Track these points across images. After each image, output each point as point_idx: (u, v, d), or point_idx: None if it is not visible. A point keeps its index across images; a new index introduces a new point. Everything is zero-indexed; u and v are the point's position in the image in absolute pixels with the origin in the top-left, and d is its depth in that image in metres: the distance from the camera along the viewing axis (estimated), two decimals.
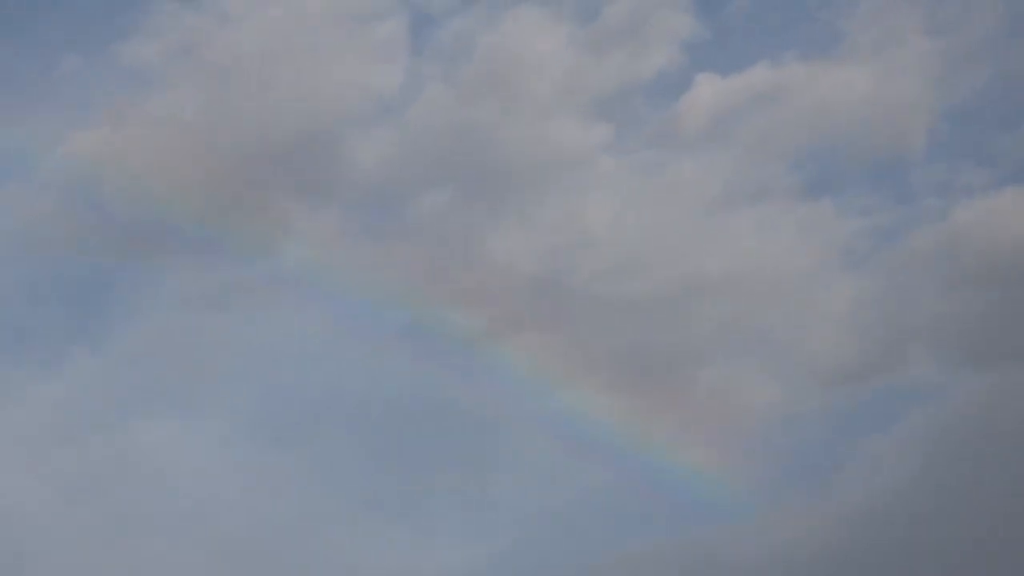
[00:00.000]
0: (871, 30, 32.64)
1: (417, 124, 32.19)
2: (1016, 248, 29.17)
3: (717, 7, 33.88)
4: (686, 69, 32.67)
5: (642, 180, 32.13)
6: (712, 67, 32.76)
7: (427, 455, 30.13)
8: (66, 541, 28.50)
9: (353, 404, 31.22)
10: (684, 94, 32.52)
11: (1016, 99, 32.48)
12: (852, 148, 32.43)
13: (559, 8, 33.11)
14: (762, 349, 30.56)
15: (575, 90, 32.12)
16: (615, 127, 32.54)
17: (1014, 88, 32.24)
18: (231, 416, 31.77)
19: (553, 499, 29.39)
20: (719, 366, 30.62)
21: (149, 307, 32.72)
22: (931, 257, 30.12)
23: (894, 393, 29.42)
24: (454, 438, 30.59)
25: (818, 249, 30.92)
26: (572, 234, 31.31)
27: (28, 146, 31.59)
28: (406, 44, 33.49)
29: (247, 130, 31.42)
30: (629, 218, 31.98)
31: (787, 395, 29.69)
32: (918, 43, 31.80)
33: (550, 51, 32.23)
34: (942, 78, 31.83)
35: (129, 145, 31.34)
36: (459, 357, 29.92)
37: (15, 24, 35.41)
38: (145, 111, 32.13)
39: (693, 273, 30.68)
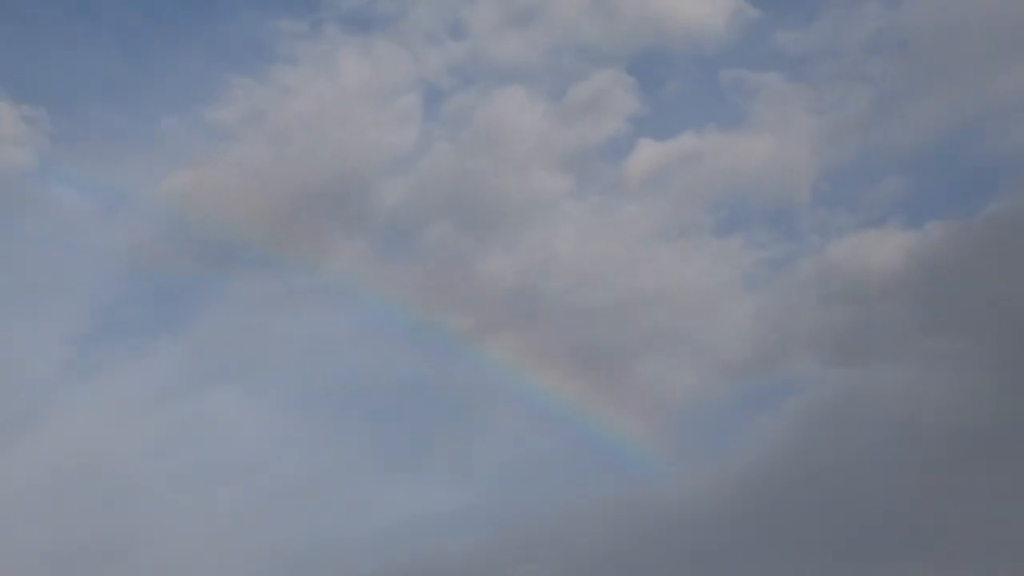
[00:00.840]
0: (770, 110, 38.56)
1: (427, 173, 38.32)
2: (874, 275, 35.38)
3: (654, 89, 39.57)
4: (631, 136, 38.59)
5: (596, 218, 38.21)
6: (650, 135, 38.78)
7: (425, 423, 36.94)
8: (155, 482, 35.50)
9: (370, 384, 37.95)
10: (629, 155, 38.68)
11: (878, 163, 38.36)
12: (754, 198, 38.53)
13: (536, 89, 38.99)
14: (682, 348, 37.09)
15: (546, 150, 38.10)
16: (576, 178, 38.59)
17: (876, 155, 38.15)
18: (279, 390, 38.52)
19: (519, 458, 36.00)
20: (649, 360, 36.97)
21: (220, 308, 39.26)
22: (810, 281, 36.36)
23: (779, 384, 36.13)
24: (446, 411, 37.28)
25: (726, 274, 37.23)
26: (542, 258, 37.29)
27: (134, 185, 38.42)
28: (420, 113, 39.52)
29: (299, 175, 37.82)
30: (585, 247, 37.92)
31: (698, 383, 36.43)
32: (805, 120, 37.74)
33: (528, 120, 38.30)
34: (822, 147, 37.82)
35: (210, 185, 37.60)
36: (452, 350, 36.35)
37: (127, 91, 41.89)
38: (223, 160, 38.31)
39: (632, 289, 36.99)
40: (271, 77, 40.11)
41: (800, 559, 32.47)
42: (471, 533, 34.94)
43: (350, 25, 40.67)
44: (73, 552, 34.06)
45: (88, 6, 43.79)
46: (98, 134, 41.57)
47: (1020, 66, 37.11)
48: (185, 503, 35.68)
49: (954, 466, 33.11)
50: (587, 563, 33.16)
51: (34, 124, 38.23)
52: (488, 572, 33.15)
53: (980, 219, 37.75)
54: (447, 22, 40.47)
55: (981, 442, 32.97)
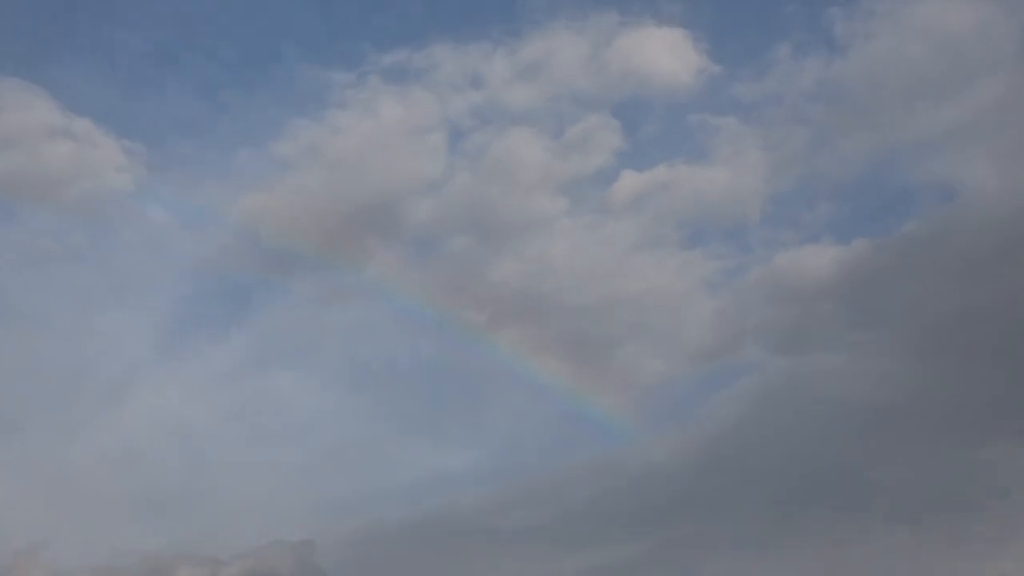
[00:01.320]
0: (727, 147, 44.48)
1: (450, 196, 44.24)
2: (811, 281, 41.17)
3: (635, 130, 45.27)
4: (615, 167, 44.41)
5: (586, 233, 44.08)
6: (631, 166, 44.72)
7: (444, 398, 43.36)
8: (228, 442, 41.70)
9: (402, 367, 44.45)
10: (614, 182, 44.59)
11: (814, 190, 44.12)
12: (713, 218, 44.44)
13: (539, 129, 44.76)
14: (654, 339, 43.20)
15: (547, 178, 44.02)
16: (570, 201, 44.44)
17: (813, 183, 43.87)
18: (328, 370, 44.99)
19: (520, 426, 42.12)
20: (627, 348, 42.99)
21: (281, 303, 45.53)
22: (759, 285, 42.44)
23: (732, 368, 42.21)
24: (461, 388, 43.73)
25: (690, 279, 43.25)
26: (542, 265, 43.31)
27: (212, 205, 44.76)
28: (445, 147, 45.31)
29: (346, 197, 43.74)
30: (577, 256, 43.81)
31: (667, 367, 42.52)
32: (755, 155, 43.71)
33: (532, 154, 44.30)
34: (769, 177, 43.58)
35: (274, 205, 43.47)
36: (467, 339, 42.22)
37: (207, 128, 48.18)
38: (284, 184, 44.31)
39: (615, 291, 42.96)
40: (324, 118, 45.77)
41: (747, 510, 38.17)
42: (481, 486, 41.03)
43: (389, 76, 46.27)
44: (163, 498, 39.98)
45: (176, 58, 50.14)
46: (183, 163, 47.59)
47: (930, 110, 42.75)
48: (251, 459, 41.73)
49: (874, 436, 38.81)
50: (574, 510, 38.81)
51: (132, 155, 44.04)
52: (493, 517, 38.93)
53: (897, 236, 43.49)
54: (468, 75, 46.05)
55: (896, 416, 38.72)
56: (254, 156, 47.83)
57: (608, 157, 44.77)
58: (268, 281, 45.97)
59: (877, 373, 40.98)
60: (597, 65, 45.68)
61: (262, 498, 41.31)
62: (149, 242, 46.52)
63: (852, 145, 44.85)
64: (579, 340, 42.52)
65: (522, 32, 47.61)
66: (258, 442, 43.35)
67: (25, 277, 45.95)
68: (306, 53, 49.98)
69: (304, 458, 42.57)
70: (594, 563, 37.57)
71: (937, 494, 37.74)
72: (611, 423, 40.96)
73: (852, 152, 44.87)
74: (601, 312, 43.24)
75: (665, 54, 44.81)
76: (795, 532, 38.07)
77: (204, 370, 44.90)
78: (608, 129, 44.99)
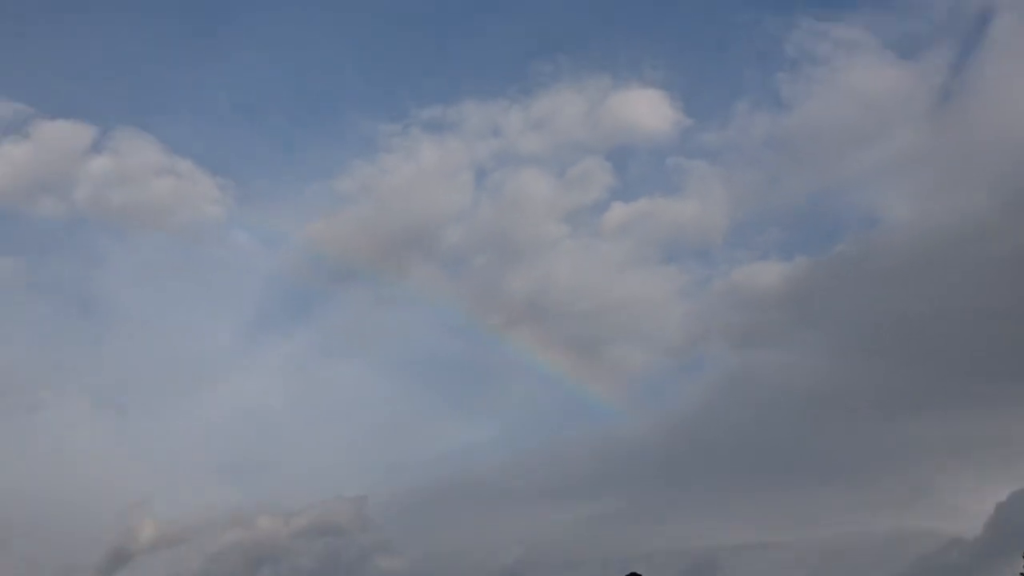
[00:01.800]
0: (697, 184, 50.59)
1: (475, 223, 50.36)
2: (762, 290, 47.25)
3: (623, 170, 51.21)
4: (607, 200, 50.29)
5: (583, 254, 50.21)
6: (620, 199, 50.55)
7: (468, 384, 50.09)
8: (296, 420, 48.11)
9: (435, 359, 51.03)
10: (606, 212, 50.40)
11: (766, 219, 50.55)
12: (685, 241, 50.39)
13: (546, 170, 50.80)
14: (637, 337, 49.17)
15: (552, 209, 49.94)
16: (571, 227, 50.30)
17: (765, 214, 50.14)
18: (376, 362, 51.58)
19: (529, 407, 48.32)
20: (615, 345, 49.03)
21: (339, 308, 52.36)
22: (721, 294, 48.73)
23: (700, 361, 48.81)
24: (482, 376, 50.37)
25: (667, 289, 49.31)
26: (548, 278, 49.32)
27: (286, 230, 51.47)
28: (472, 184, 51.31)
29: (392, 223, 49.92)
30: (576, 272, 49.85)
31: (647, 360, 48.58)
32: (719, 191, 50.05)
33: (540, 190, 50.34)
34: (730, 209, 49.66)
35: (335, 230, 49.57)
36: (487, 338, 48.65)
37: (282, 167, 56.11)
38: (343, 214, 50.62)
39: (606, 299, 49.03)
40: (375, 160, 52.07)
41: (708, 474, 43.71)
42: (497, 455, 46.96)
43: (427, 127, 52.57)
44: (243, 463, 45.86)
45: (258, 112, 58.08)
46: (263, 196, 54.45)
47: (857, 155, 49.15)
48: (314, 432, 48.24)
49: (811, 415, 44.59)
50: (572, 474, 44.38)
51: (224, 190, 50.39)
52: (508, 478, 44.56)
53: (831, 255, 49.62)
54: (490, 126, 52.01)
55: (830, 400, 44.48)
56: (319, 191, 54.58)
57: (601, 192, 50.66)
58: (328, 290, 52.85)
59: (814, 365, 47.08)
60: (593, 118, 51.49)
61: (323, 463, 47.73)
62: (234, 260, 53.26)
63: (795, 183, 51.07)
64: (577, 338, 48.46)
65: (533, 92, 53.66)
66: (319, 418, 50.33)
67: (135, 288, 52.96)
68: (361, 109, 57.02)
69: (356, 431, 49.40)
70: (587, 513, 43.16)
71: (861, 461, 42.94)
72: (601, 405, 47.44)
73: (795, 189, 51.13)
74: (595, 316, 49.40)
75: (648, 110, 50.44)
76: (746, 490, 43.34)
77: (276, 361, 51.74)
78: (601, 169, 50.84)
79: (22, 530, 40.68)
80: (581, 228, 51.26)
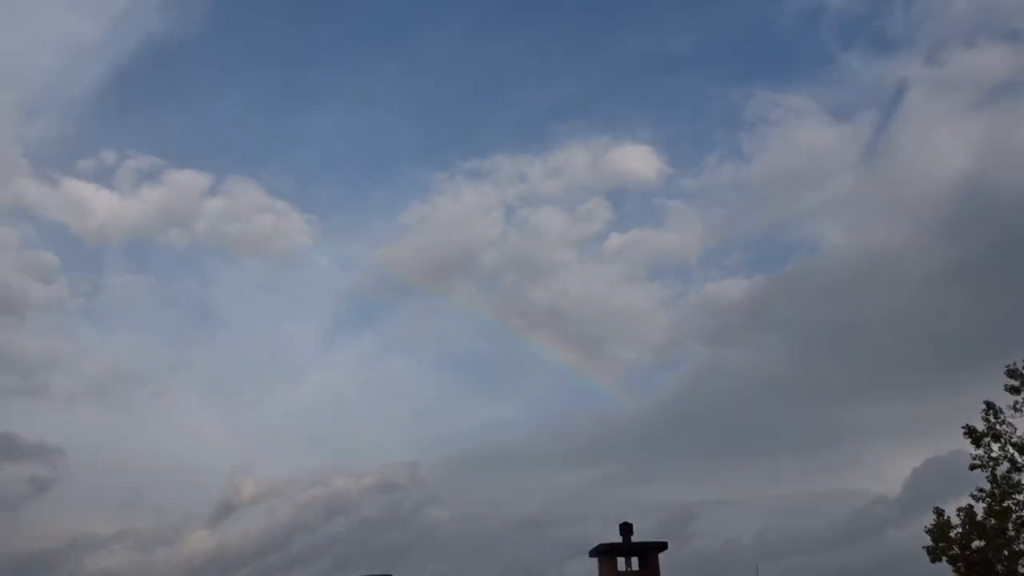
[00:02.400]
0: (677, 218, 57.09)
1: (505, 249, 56.59)
2: (728, 301, 53.49)
3: (619, 207, 57.80)
4: (607, 230, 56.43)
5: (588, 273, 56.84)
6: (617, 230, 56.46)
7: (498, 374, 57.71)
8: (363, 405, 56.36)
9: (472, 354, 58.98)
10: (605, 240, 56.34)
11: (731, 245, 57.28)
12: (668, 263, 56.99)
13: (559, 208, 57.19)
14: (629, 338, 56.44)
15: (564, 238, 56.24)
16: (578, 253, 56.72)
17: (730, 241, 56.82)
18: (425, 358, 59.74)
19: (544, 393, 56.19)
20: (613, 344, 56.03)
21: (398, 317, 60.64)
22: (697, 306, 55.41)
23: (679, 358, 56.71)
24: (508, 368, 57.76)
25: (653, 301, 55.90)
26: (562, 292, 55.68)
27: (358, 255, 59.50)
28: (503, 220, 56.98)
29: (440, 249, 56.15)
30: (582, 287, 56.20)
31: (637, 357, 56.12)
32: (695, 224, 56.35)
33: (556, 224, 56.44)
34: (703, 237, 55.69)
35: (397, 256, 55.99)
36: (513, 338, 55.84)
37: (355, 206, 65.38)
38: (403, 242, 57.32)
39: (606, 308, 55.67)
40: (428, 200, 58.94)
41: (685, 446, 50.21)
42: (519, 429, 54.85)
43: (469, 175, 59.20)
44: (323, 436, 53.67)
45: (335, 162, 66.47)
46: (341, 229, 63.24)
47: (803, 196, 56.52)
48: (377, 412, 56.34)
49: (767, 401, 50.94)
50: (578, 444, 50.31)
51: (311, 223, 56.94)
52: (528, 447, 50.56)
53: (782, 273, 56.32)
54: (517, 174, 57.92)
55: (783, 388, 50.86)
56: (385, 224, 63.12)
57: (602, 224, 56.49)
58: (389, 302, 60.58)
59: (771, 360, 52.87)
60: (597, 168, 57.34)
61: (385, 435, 55.16)
62: (317, 279, 61.03)
63: (754, 218, 58.37)
64: (583, 338, 55.44)
65: (551, 147, 60.82)
66: (381, 401, 58.29)
67: (240, 301, 60.97)
68: (418, 160, 65.15)
69: (410, 411, 57.24)
70: (590, 475, 49.15)
71: (807, 436, 49.21)
72: (601, 390, 55.41)
73: (754, 222, 58.28)
74: (597, 321, 55.96)
75: (639, 161, 56.48)
76: (716, 458, 49.66)
77: (348, 357, 59.40)
78: (603, 207, 56.60)
79: (153, 487, 46.24)
80: (586, 253, 57.76)
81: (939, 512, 21.27)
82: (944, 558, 20.89)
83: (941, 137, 53.92)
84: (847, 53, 58.81)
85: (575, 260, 56.96)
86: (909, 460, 53.18)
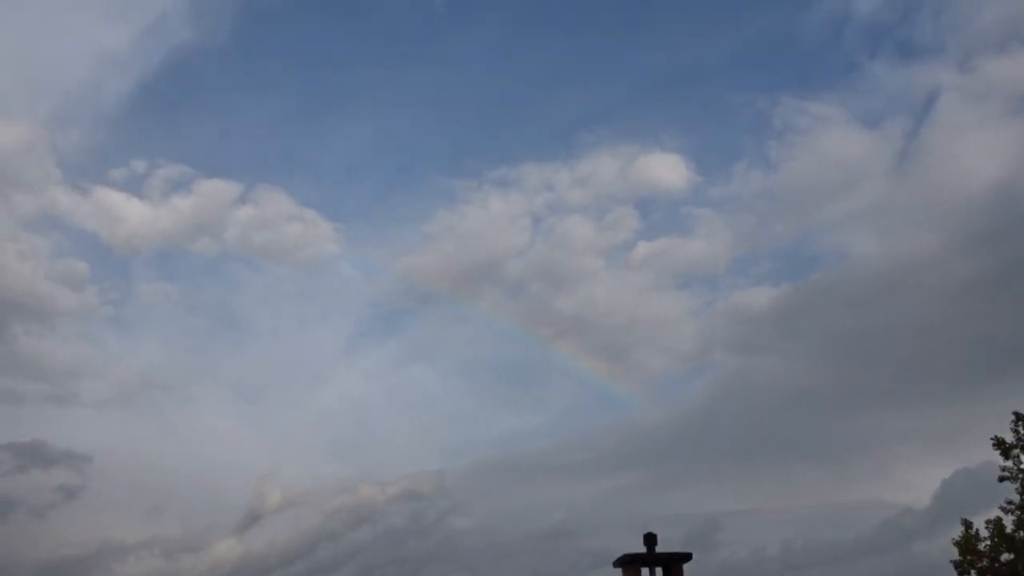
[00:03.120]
0: (705, 227, 56.15)
1: (532, 258, 56.23)
2: (756, 310, 52.92)
3: (647, 216, 56.75)
4: (634, 240, 55.67)
5: (615, 281, 56.14)
6: (644, 239, 55.80)
7: (523, 382, 57.27)
8: (387, 410, 56.17)
9: (497, 363, 58.76)
10: (633, 249, 55.74)
11: (758, 254, 56.32)
12: (696, 271, 56.13)
13: (587, 216, 56.33)
14: (656, 347, 55.72)
15: (591, 247, 55.65)
16: (606, 261, 56.19)
17: (758, 250, 55.90)
18: (450, 366, 59.84)
19: (569, 401, 55.96)
20: (640, 352, 55.58)
21: (422, 324, 60.49)
22: (723, 314, 54.70)
23: (705, 365, 56.05)
24: (534, 376, 57.58)
25: (681, 309, 55.52)
26: (588, 301, 55.10)
27: (383, 264, 58.85)
28: (530, 228, 56.40)
29: (467, 257, 55.73)
30: (609, 295, 55.50)
31: (664, 365, 55.79)
32: (723, 232, 55.52)
33: (583, 232, 55.87)
34: (731, 246, 55.47)
35: (423, 263, 55.59)
36: (539, 347, 55.29)
37: (382, 215, 64.81)
38: (429, 250, 56.74)
39: (633, 316, 55.05)
40: (455, 209, 58.17)
41: (711, 454, 49.70)
42: (544, 438, 54.16)
43: (496, 184, 58.36)
44: (348, 445, 54.07)
45: (362, 172, 66.06)
46: (367, 238, 62.82)
47: (830, 204, 55.46)
48: (401, 420, 56.24)
49: (797, 410, 50.66)
50: (603, 453, 50.09)
51: (339, 232, 56.66)
52: (553, 456, 50.44)
53: (809, 282, 55.58)
54: (545, 183, 57.45)
55: (809, 396, 50.37)
56: (411, 232, 62.99)
57: (629, 233, 55.84)
58: (415, 310, 60.74)
59: (797, 369, 52.67)
60: (624, 176, 56.55)
61: (410, 444, 55.41)
62: (341, 287, 61.10)
63: (782, 227, 57.43)
64: (609, 347, 54.97)
65: (578, 156, 59.56)
66: (406, 409, 57.91)
67: (266, 308, 61.07)
68: (445, 170, 64.91)
69: (435, 419, 57.07)
70: (615, 485, 49.01)
71: (834, 445, 48.66)
72: (627, 399, 54.53)
73: (782, 231, 57.62)
74: (624, 330, 55.40)
75: (667, 170, 55.71)
76: (742, 468, 49.13)
77: (373, 366, 59.85)
78: (630, 216, 55.92)
79: (179, 494, 46.23)
80: (614, 261, 57.14)
81: (967, 524, 21.08)
82: (972, 572, 20.68)
83: (972, 145, 53.03)
84: (875, 61, 58.37)
85: (602, 269, 56.69)
86: (938, 471, 52.22)
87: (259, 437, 53.67)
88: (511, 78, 66.01)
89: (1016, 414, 20.93)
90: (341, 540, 44.69)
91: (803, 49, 60.66)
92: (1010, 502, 20.64)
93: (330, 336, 60.46)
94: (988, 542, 20.71)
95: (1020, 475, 20.61)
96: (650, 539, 17.45)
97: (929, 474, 52.57)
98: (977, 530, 20.92)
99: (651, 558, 17.34)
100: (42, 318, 52.16)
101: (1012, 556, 20.30)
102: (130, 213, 53.43)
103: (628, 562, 17.37)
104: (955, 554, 21.13)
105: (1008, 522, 20.57)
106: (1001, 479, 20.85)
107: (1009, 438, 20.90)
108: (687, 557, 17.61)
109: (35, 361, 50.36)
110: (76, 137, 57.02)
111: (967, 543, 20.79)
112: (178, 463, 47.51)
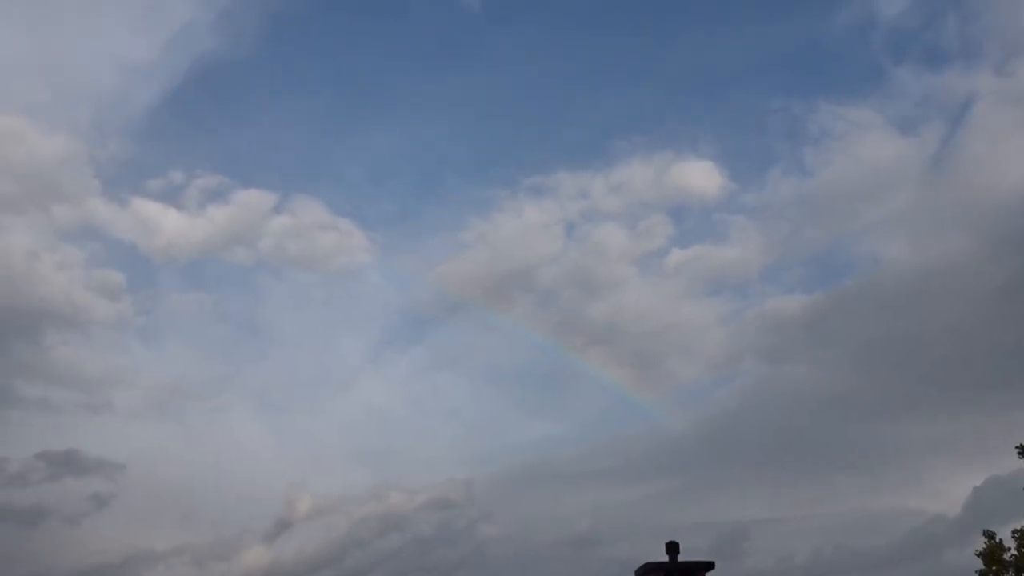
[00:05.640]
0: (739, 234, 57.23)
1: (565, 265, 57.47)
2: (787, 318, 53.96)
3: (681, 224, 58.04)
4: (668, 247, 57.16)
5: (648, 289, 57.03)
6: (678, 246, 57.53)
7: (552, 391, 58.18)
8: (412, 418, 57.03)
9: (526, 371, 59.63)
10: (666, 256, 57.14)
11: (791, 260, 57.48)
12: (728, 278, 57.00)
13: (621, 224, 57.48)
14: (687, 354, 56.66)
15: (625, 254, 56.70)
16: (639, 269, 57.41)
17: (790, 257, 56.96)
18: (484, 374, 60.72)
19: (596, 408, 56.57)
20: (670, 360, 56.53)
21: (450, 332, 61.27)
22: (754, 320, 55.57)
23: (734, 373, 56.00)
24: (561, 385, 58.16)
25: (712, 317, 56.32)
26: (620, 308, 56.10)
27: (417, 272, 60.32)
28: (563, 236, 58.15)
29: (498, 266, 56.83)
30: (641, 303, 56.55)
31: (694, 373, 56.38)
32: (756, 239, 56.58)
33: (616, 240, 56.91)
34: (763, 253, 56.43)
35: (457, 271, 57.09)
36: (569, 355, 55.75)
37: (415, 225, 65.57)
38: (464, 258, 57.87)
39: (664, 324, 56.03)
40: (489, 217, 60.09)
41: (739, 461, 50.30)
42: (572, 446, 54.85)
43: (529, 192, 59.84)
44: (376, 451, 54.88)
45: (394, 182, 67.65)
46: (400, 247, 64.02)
47: (864, 210, 56.05)
48: (427, 429, 57.10)
49: (825, 416, 51.53)
50: (629, 461, 51.10)
51: (373, 241, 58.36)
52: (580, 464, 51.41)
53: (842, 289, 56.52)
54: (578, 190, 58.77)
55: (840, 404, 51.03)
56: (445, 241, 64.18)
57: (663, 241, 57.14)
58: (444, 318, 61.46)
59: (828, 377, 53.35)
60: (658, 184, 57.70)
61: (440, 452, 56.09)
62: (374, 295, 62.63)
63: (815, 233, 58.17)
64: (640, 355, 55.93)
65: (613, 164, 61.02)
66: (431, 418, 59.25)
67: (292, 316, 62.57)
68: (479, 179, 66.61)
69: (465, 428, 58.17)
70: (641, 493, 49.92)
71: (864, 453, 49.11)
72: (656, 407, 55.11)
73: (815, 237, 58.28)
74: (655, 338, 56.40)
75: (701, 177, 56.75)
76: (771, 476, 49.78)
77: (398, 373, 60.70)
78: (664, 223, 57.32)
79: (209, 503, 47.38)
80: (647, 269, 58.18)
81: (990, 535, 21.01)
82: None
83: (1008, 149, 53.07)
84: (909, 66, 59.14)
85: (635, 276, 57.33)
86: (969, 478, 52.57)
87: (289, 445, 54.46)
88: (546, 84, 66.92)
89: None
90: (369, 548, 45.51)
91: (838, 54, 62.00)
92: None
93: (358, 344, 61.22)
94: (1015, 552, 20.48)
95: None
96: (672, 547, 17.40)
97: (960, 482, 52.73)
98: (1001, 540, 20.79)
99: (672, 567, 17.28)
100: (78, 328, 53.17)
101: None
102: (167, 223, 54.48)
103: (649, 571, 17.42)
104: (981, 564, 20.94)
105: None
106: None
107: None
108: (710, 566, 17.49)
109: (70, 370, 51.32)
110: (113, 148, 58.03)
111: (992, 553, 20.65)
112: (209, 471, 48.49)
